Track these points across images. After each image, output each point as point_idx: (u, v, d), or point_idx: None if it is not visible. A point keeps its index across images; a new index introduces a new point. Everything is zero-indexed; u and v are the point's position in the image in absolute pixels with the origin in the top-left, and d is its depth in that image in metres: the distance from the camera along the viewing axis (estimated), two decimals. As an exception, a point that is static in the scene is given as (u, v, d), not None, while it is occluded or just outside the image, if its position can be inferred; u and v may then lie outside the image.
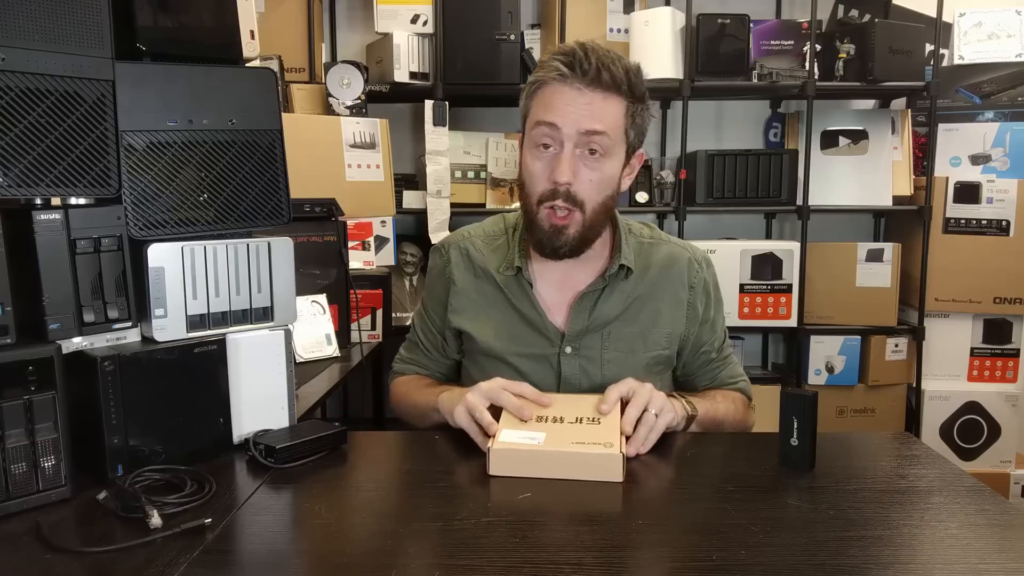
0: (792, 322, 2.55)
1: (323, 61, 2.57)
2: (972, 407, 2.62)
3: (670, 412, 1.06)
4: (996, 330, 2.64)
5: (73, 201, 0.92)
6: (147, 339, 0.98)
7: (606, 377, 1.19)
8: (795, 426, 0.97)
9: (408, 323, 2.67)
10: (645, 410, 1.04)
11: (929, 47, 2.56)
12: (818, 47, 2.54)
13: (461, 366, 1.35)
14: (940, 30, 2.51)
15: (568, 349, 1.22)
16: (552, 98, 1.12)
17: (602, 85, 1.10)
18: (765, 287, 2.53)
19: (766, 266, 2.53)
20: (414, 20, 2.42)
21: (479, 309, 1.27)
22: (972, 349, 2.66)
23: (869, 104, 2.85)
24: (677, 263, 1.27)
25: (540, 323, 1.23)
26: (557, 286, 1.24)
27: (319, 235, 1.81)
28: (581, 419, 1.03)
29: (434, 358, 1.36)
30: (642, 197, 2.55)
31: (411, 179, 2.62)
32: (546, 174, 1.13)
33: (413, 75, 2.44)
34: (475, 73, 2.41)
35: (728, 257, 2.51)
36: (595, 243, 1.21)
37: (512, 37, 2.40)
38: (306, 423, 1.13)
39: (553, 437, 0.97)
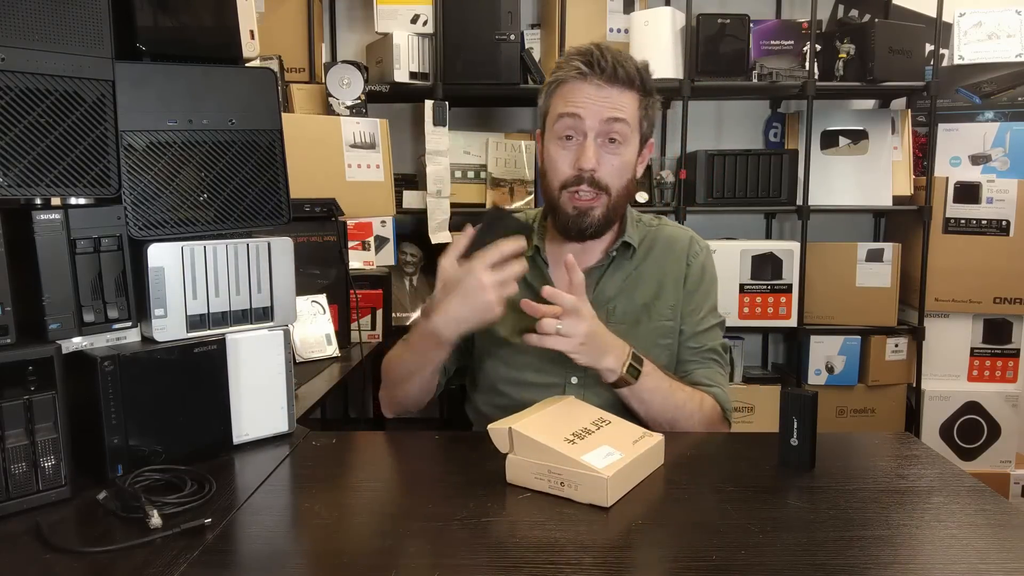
0: (792, 322, 2.55)
1: (323, 61, 2.56)
2: (972, 407, 2.62)
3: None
4: (996, 330, 2.64)
5: (73, 201, 0.92)
6: (147, 339, 0.98)
7: None
8: (795, 426, 0.97)
9: (408, 323, 2.69)
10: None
11: (929, 47, 2.56)
12: (818, 47, 2.54)
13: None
14: (940, 30, 2.51)
15: None
16: (573, 94, 1.20)
17: (619, 81, 1.19)
18: (765, 287, 2.53)
19: (766, 266, 2.53)
20: (414, 20, 2.42)
21: None
22: (972, 349, 2.66)
23: (869, 104, 2.85)
24: (679, 241, 1.33)
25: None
26: None
27: (319, 235, 1.81)
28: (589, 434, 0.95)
29: None
30: (642, 197, 2.55)
31: (411, 179, 2.62)
32: (570, 161, 1.21)
33: (413, 75, 2.44)
34: (475, 73, 2.41)
35: (728, 257, 2.51)
36: None
37: (512, 37, 2.39)
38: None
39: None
